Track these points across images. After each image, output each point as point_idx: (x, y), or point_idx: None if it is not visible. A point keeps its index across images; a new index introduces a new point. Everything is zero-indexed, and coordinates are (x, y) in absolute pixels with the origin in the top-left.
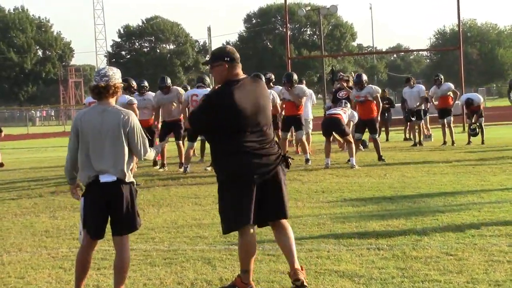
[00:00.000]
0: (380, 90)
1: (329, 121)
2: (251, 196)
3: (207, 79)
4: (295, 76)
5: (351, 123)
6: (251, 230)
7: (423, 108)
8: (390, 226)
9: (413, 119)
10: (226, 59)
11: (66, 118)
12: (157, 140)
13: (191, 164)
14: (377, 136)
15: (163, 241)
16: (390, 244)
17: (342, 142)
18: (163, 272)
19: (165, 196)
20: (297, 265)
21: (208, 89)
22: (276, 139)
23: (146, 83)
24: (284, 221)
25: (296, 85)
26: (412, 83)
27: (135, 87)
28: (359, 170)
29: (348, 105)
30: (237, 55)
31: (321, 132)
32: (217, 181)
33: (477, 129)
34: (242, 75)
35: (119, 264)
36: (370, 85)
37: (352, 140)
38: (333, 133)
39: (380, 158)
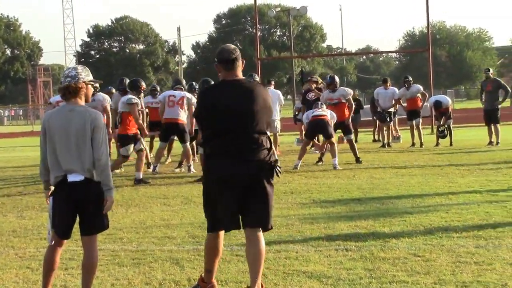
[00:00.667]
0: (352, 92)
1: (316, 123)
2: (230, 201)
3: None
4: (256, 77)
5: (331, 123)
6: (221, 233)
7: (394, 110)
8: (358, 227)
9: (388, 120)
10: (215, 60)
11: (35, 118)
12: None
13: (159, 165)
14: (352, 137)
15: (131, 241)
16: (358, 245)
17: (322, 144)
18: (131, 272)
19: (134, 196)
20: (257, 286)
21: (185, 92)
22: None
23: (157, 87)
24: (259, 234)
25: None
26: (388, 84)
27: (143, 88)
28: (328, 171)
29: (324, 106)
30: (231, 55)
31: (289, 133)
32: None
33: (446, 131)
34: (239, 76)
35: (87, 264)
36: (343, 88)
37: (334, 141)
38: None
39: (357, 160)
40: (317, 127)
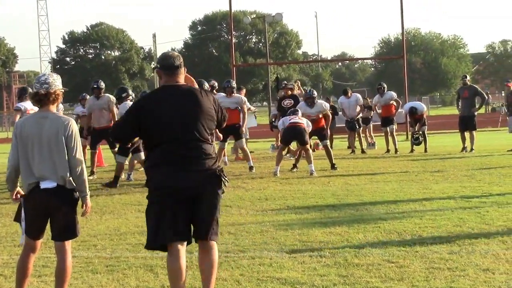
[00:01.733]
0: (329, 106)
1: (293, 129)
2: (173, 213)
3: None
4: (234, 83)
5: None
6: (178, 250)
7: (361, 116)
8: (332, 234)
9: (356, 127)
10: (157, 65)
11: (9, 125)
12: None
13: (134, 171)
14: (327, 142)
15: (105, 248)
16: (332, 251)
17: (296, 150)
18: (105, 279)
19: (108, 203)
20: None
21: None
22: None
23: (133, 94)
24: (211, 244)
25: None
26: (349, 94)
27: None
28: (302, 177)
29: (300, 113)
30: (175, 61)
31: (265, 139)
32: None
33: (420, 138)
34: (180, 82)
35: (61, 271)
36: (321, 102)
37: (309, 148)
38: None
39: (332, 166)
40: (293, 133)
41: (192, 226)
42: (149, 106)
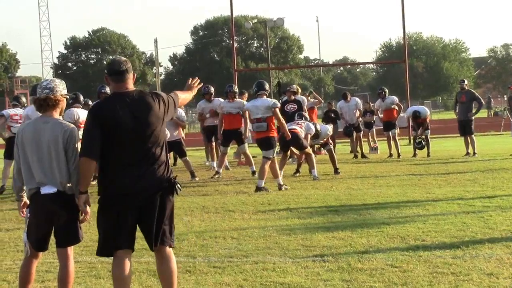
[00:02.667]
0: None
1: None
2: (122, 220)
3: (23, 99)
4: (236, 88)
5: (308, 136)
6: (124, 259)
7: (363, 120)
8: (335, 238)
9: (355, 133)
10: (105, 71)
11: None
12: None
13: None
14: (331, 147)
15: None
16: (335, 256)
17: (300, 154)
18: (108, 284)
19: None
20: None
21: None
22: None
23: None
24: (167, 250)
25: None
26: (348, 98)
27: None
28: (305, 182)
29: (303, 118)
30: (121, 66)
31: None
32: None
33: (423, 142)
34: (129, 88)
35: (63, 276)
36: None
37: (311, 152)
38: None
39: (336, 170)
40: (287, 140)
41: (143, 234)
42: (104, 113)
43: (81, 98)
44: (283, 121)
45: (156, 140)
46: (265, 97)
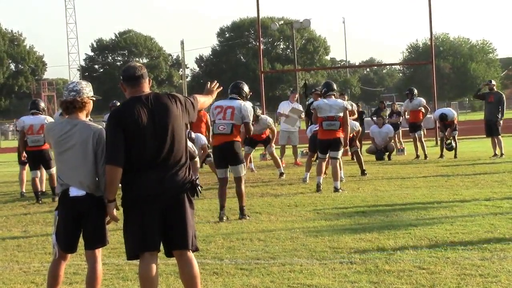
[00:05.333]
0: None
1: (316, 137)
2: (146, 221)
3: (41, 104)
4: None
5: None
6: (149, 260)
7: (391, 121)
8: (363, 240)
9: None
10: (121, 77)
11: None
12: None
13: None
14: (358, 149)
15: None
16: (363, 258)
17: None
18: (136, 286)
19: None
20: None
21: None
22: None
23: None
24: (188, 254)
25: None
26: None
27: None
28: (332, 184)
29: None
30: (136, 72)
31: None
32: None
33: (453, 143)
34: (146, 92)
35: (91, 278)
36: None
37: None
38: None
39: (362, 172)
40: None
41: (166, 237)
42: (124, 116)
43: (42, 105)
44: (348, 125)
45: (176, 141)
46: (333, 97)
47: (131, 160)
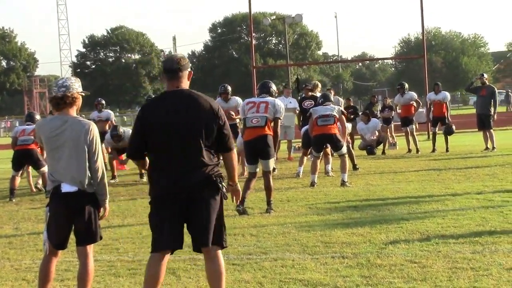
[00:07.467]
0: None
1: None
2: (169, 219)
3: (37, 116)
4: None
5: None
6: (160, 258)
7: (383, 116)
8: (355, 235)
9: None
10: (162, 70)
11: None
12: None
13: None
14: (349, 144)
15: (127, 251)
16: (354, 252)
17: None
18: (127, 283)
19: (130, 207)
20: None
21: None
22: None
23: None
24: (212, 251)
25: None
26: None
27: None
28: (324, 178)
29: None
30: (173, 65)
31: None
32: None
33: (450, 128)
34: (181, 87)
35: (83, 275)
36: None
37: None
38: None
39: (354, 167)
40: (309, 137)
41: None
42: (148, 113)
43: (37, 117)
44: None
45: (200, 141)
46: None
47: (154, 157)
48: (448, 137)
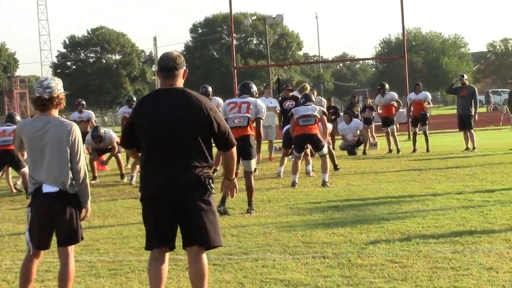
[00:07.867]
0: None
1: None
2: (159, 217)
3: (17, 117)
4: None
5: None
6: (158, 257)
7: (364, 116)
8: (335, 235)
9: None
10: (157, 68)
11: None
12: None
13: (137, 175)
14: (330, 145)
15: (108, 252)
16: (335, 252)
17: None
18: (108, 283)
19: (111, 207)
20: None
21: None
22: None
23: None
24: (195, 252)
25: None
26: (350, 118)
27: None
28: (305, 179)
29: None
30: (169, 63)
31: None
32: None
33: (425, 115)
34: (175, 85)
35: (63, 275)
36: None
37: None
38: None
39: (335, 167)
40: (290, 137)
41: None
42: (140, 110)
43: (17, 118)
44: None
45: (191, 140)
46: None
47: (144, 156)
48: (429, 137)
